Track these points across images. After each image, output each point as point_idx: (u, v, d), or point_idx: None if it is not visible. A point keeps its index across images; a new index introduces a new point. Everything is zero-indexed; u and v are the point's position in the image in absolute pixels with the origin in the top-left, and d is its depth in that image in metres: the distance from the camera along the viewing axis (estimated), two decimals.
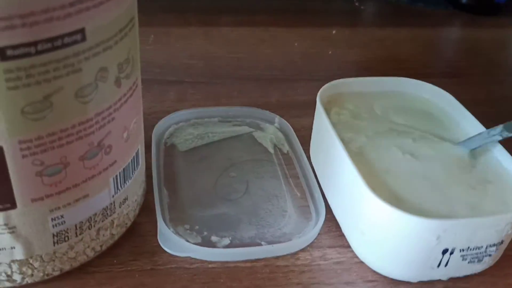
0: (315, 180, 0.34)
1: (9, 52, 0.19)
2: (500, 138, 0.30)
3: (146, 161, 0.32)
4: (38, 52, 0.20)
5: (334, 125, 0.32)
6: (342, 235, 0.31)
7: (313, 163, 0.36)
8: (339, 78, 0.49)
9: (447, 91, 0.47)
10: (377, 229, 0.27)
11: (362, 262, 0.30)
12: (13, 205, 0.23)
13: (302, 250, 0.30)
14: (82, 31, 0.21)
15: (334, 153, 0.31)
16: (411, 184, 0.29)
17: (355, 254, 0.30)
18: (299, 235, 0.31)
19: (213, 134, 0.39)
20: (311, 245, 0.31)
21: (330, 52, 0.54)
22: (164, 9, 0.59)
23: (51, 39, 0.20)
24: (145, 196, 0.33)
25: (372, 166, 0.30)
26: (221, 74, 0.48)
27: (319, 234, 0.31)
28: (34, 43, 0.20)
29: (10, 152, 0.22)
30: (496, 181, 0.30)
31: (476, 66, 0.54)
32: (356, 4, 0.65)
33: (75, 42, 0.21)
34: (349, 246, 0.31)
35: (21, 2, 0.19)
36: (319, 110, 0.33)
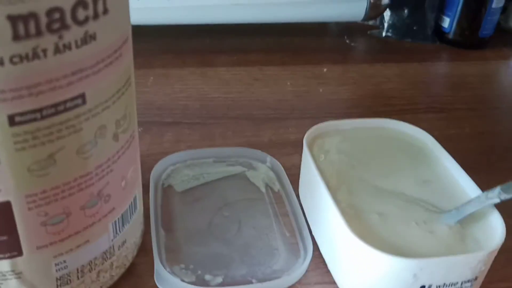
0: (303, 218, 0.36)
1: (17, 119, 0.22)
2: (498, 201, 0.29)
3: (144, 202, 0.34)
4: (43, 117, 0.22)
5: (320, 168, 0.34)
6: (329, 272, 0.33)
7: (301, 201, 0.38)
8: (330, 116, 0.51)
9: (433, 126, 0.50)
10: (358, 267, 0.29)
11: None
12: (20, 253, 0.25)
13: (291, 286, 0.32)
14: (82, 95, 0.23)
15: (319, 195, 0.33)
16: (392, 225, 0.30)
17: None
18: (288, 272, 0.33)
19: (208, 175, 0.41)
20: (299, 282, 0.33)
21: (321, 90, 0.56)
22: (162, 51, 0.62)
23: (54, 105, 0.22)
24: (143, 237, 0.35)
25: (355, 208, 0.32)
26: (216, 115, 0.50)
27: (307, 270, 0.33)
28: (40, 110, 0.22)
29: (17, 205, 0.24)
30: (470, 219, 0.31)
31: (461, 101, 0.56)
32: (347, 41, 0.68)
33: (76, 106, 0.23)
34: (333, 282, 0.32)
35: (28, 75, 0.21)
36: (306, 154, 0.36)
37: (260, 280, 0.32)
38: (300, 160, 0.42)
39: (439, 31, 0.69)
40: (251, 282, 0.32)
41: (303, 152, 0.37)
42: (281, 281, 0.32)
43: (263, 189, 0.40)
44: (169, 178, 0.40)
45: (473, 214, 0.31)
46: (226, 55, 0.62)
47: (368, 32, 0.71)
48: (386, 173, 0.35)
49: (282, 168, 0.41)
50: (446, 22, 0.67)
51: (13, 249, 0.25)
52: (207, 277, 0.32)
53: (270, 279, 0.32)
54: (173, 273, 0.32)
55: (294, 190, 0.39)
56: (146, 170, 0.37)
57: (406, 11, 0.68)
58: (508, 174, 0.42)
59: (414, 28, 0.68)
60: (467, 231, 0.30)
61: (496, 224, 0.30)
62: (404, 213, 0.31)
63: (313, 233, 0.35)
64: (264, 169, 0.42)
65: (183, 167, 0.42)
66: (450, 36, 0.68)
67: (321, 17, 0.61)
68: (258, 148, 0.44)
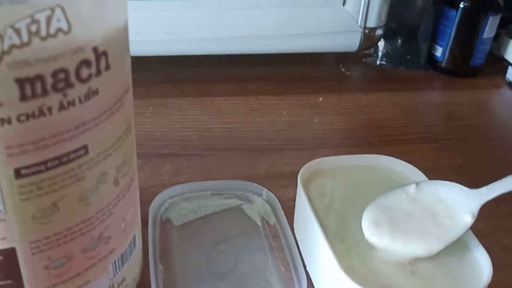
0: (298, 252, 0.37)
1: (23, 172, 0.23)
2: None
3: (142, 236, 0.35)
4: (47, 169, 0.23)
5: (314, 206, 0.35)
6: None
7: (296, 236, 0.39)
8: (325, 147, 0.52)
9: (425, 157, 0.51)
10: None
11: None
12: None
13: None
14: (85, 147, 0.25)
15: (312, 233, 0.34)
16: (382, 264, 0.32)
17: None
18: None
19: (206, 208, 0.42)
20: None
21: (316, 120, 0.57)
22: (160, 80, 0.63)
23: (58, 157, 0.24)
24: (141, 272, 0.36)
25: (347, 248, 0.33)
26: (214, 146, 0.52)
27: None
28: (44, 162, 0.23)
29: (21, 251, 0.25)
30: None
31: (454, 131, 0.57)
32: (342, 69, 0.70)
33: (79, 157, 0.24)
34: None
35: (34, 131, 0.22)
36: (300, 191, 0.37)
37: None
38: (295, 193, 0.43)
39: (432, 60, 0.70)
40: None
41: (297, 189, 0.38)
42: None
43: (259, 223, 0.41)
44: (167, 212, 0.41)
45: (456, 250, 0.32)
46: (223, 84, 0.63)
47: (363, 60, 0.73)
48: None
49: (278, 202, 0.42)
50: (438, 51, 0.69)
51: None
52: None
53: None
54: None
55: (289, 224, 0.40)
56: (145, 203, 0.38)
57: (399, 40, 0.69)
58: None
59: (408, 57, 0.70)
60: (451, 269, 0.31)
61: (482, 261, 0.31)
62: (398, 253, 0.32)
63: (307, 269, 0.36)
64: (260, 202, 0.43)
65: (181, 200, 0.43)
66: (443, 64, 0.69)
67: (316, 47, 0.63)
68: (254, 180, 0.45)
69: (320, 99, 0.62)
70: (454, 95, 0.66)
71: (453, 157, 0.52)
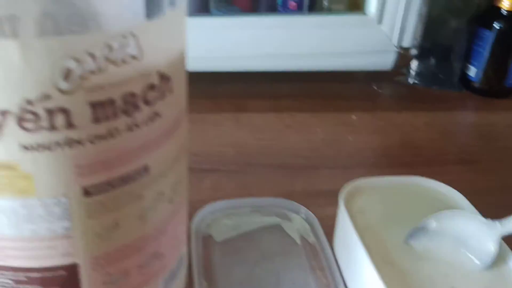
0: (338, 272, 0.38)
1: (90, 190, 0.24)
2: None
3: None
4: (112, 188, 0.24)
5: (357, 226, 0.35)
6: None
7: (337, 256, 0.39)
8: (360, 166, 0.53)
9: (462, 178, 0.51)
10: None
11: None
12: None
13: None
14: (146, 167, 0.25)
15: (356, 253, 0.34)
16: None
17: None
18: None
19: (246, 225, 0.43)
20: None
21: (350, 139, 0.58)
22: (197, 95, 0.64)
23: (122, 177, 0.24)
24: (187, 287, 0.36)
25: (393, 269, 0.33)
26: (251, 162, 0.52)
27: None
28: (110, 182, 0.24)
29: (83, 267, 0.26)
30: None
31: (489, 152, 0.57)
32: (375, 87, 0.70)
33: (140, 176, 0.25)
34: None
35: (103, 152, 0.23)
36: (342, 211, 0.37)
37: None
38: (333, 211, 0.43)
39: (465, 79, 0.70)
40: None
41: (339, 209, 0.38)
42: None
43: (298, 241, 0.41)
44: (209, 228, 0.42)
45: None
46: (258, 100, 0.64)
47: (395, 79, 0.73)
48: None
49: (317, 220, 0.43)
50: (472, 71, 0.69)
51: None
52: None
53: None
54: None
55: (329, 243, 0.40)
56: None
57: (433, 60, 0.70)
58: None
59: (441, 76, 0.70)
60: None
61: None
62: (439, 276, 0.33)
63: None
64: (298, 220, 0.43)
65: (222, 216, 0.43)
66: (477, 84, 0.69)
67: (351, 66, 0.63)
68: (291, 197, 0.45)
69: (354, 117, 0.62)
70: (488, 115, 0.66)
71: (489, 179, 0.52)
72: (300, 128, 0.59)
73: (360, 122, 0.62)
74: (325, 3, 0.64)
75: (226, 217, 0.43)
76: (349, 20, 0.59)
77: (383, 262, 0.33)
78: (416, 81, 0.71)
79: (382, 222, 0.37)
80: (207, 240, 0.41)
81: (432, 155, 0.56)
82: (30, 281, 0.25)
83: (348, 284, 0.37)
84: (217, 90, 0.66)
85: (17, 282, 0.25)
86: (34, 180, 0.22)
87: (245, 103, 0.64)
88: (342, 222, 0.38)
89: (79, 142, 0.22)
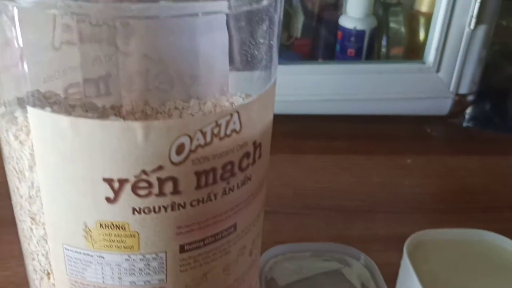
0: None
1: (186, 247, 0.26)
2: None
3: None
4: (205, 245, 0.27)
5: (421, 276, 0.36)
6: None
7: None
8: (416, 212, 0.53)
9: None
10: None
11: None
12: None
13: None
14: (234, 225, 0.28)
15: None
16: None
17: None
18: None
19: (307, 270, 0.44)
20: None
21: (406, 183, 0.59)
22: None
23: (214, 235, 0.27)
24: None
25: None
26: (309, 204, 0.54)
27: None
28: (203, 240, 0.26)
29: None
30: None
31: None
32: (428, 130, 0.71)
33: (229, 234, 0.27)
34: None
35: (200, 214, 0.25)
36: (406, 262, 0.38)
37: None
38: (391, 258, 0.44)
39: None
40: None
41: (402, 259, 0.40)
42: None
43: (359, 287, 0.43)
44: (271, 271, 0.44)
45: None
46: (313, 141, 0.66)
47: (449, 121, 0.73)
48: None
49: (376, 267, 0.44)
50: None
51: None
52: None
53: None
54: None
55: None
56: None
57: (488, 105, 0.70)
58: None
59: (495, 120, 0.70)
60: None
61: None
62: None
63: None
64: (358, 266, 0.45)
65: (283, 259, 0.45)
66: None
67: (407, 110, 0.64)
68: (349, 242, 0.46)
69: (408, 161, 0.63)
70: None
71: None
72: (355, 171, 0.61)
73: (415, 166, 0.62)
74: (383, 50, 0.66)
75: (287, 260, 0.45)
76: (407, 67, 0.61)
77: None
78: (470, 124, 0.72)
79: (447, 275, 0.38)
80: (270, 284, 0.43)
81: (487, 201, 0.56)
82: None
83: None
84: (274, 131, 0.68)
85: None
86: (139, 238, 0.25)
87: (300, 143, 0.66)
88: (406, 272, 0.39)
89: (182, 206, 0.24)
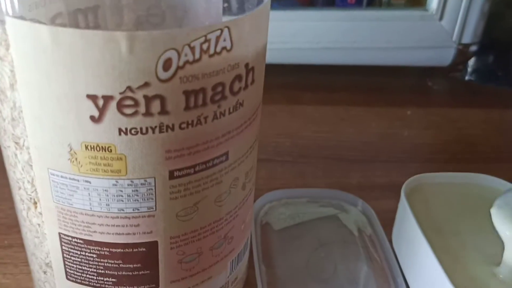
0: (397, 264, 0.38)
1: (176, 173, 0.25)
2: None
3: None
4: (195, 172, 0.26)
5: (419, 218, 0.36)
6: None
7: (395, 249, 0.40)
8: (415, 161, 0.53)
9: None
10: None
11: None
12: (157, 286, 0.29)
13: None
14: (226, 153, 0.27)
15: (418, 245, 0.35)
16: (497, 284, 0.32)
17: None
18: None
19: (303, 214, 0.44)
20: None
21: (406, 134, 0.58)
22: None
23: (205, 162, 0.26)
24: (247, 272, 0.37)
25: (458, 260, 0.33)
26: (306, 153, 0.53)
27: None
28: (194, 166, 0.25)
29: (162, 245, 0.27)
30: None
31: None
32: (429, 83, 0.70)
33: (220, 162, 0.27)
34: None
35: (190, 138, 0.24)
36: (404, 204, 0.38)
37: None
38: (389, 205, 0.44)
39: None
40: None
41: (400, 201, 0.39)
42: None
43: (355, 233, 0.42)
44: (266, 216, 0.43)
45: None
46: (311, 92, 0.65)
47: (450, 75, 0.72)
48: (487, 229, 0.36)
49: (374, 213, 0.43)
50: None
51: (152, 282, 0.28)
52: None
53: None
54: None
55: (386, 234, 0.41)
56: None
57: (491, 57, 0.69)
58: None
59: (499, 73, 0.69)
60: None
61: None
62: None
63: (408, 282, 0.37)
64: (355, 212, 0.44)
65: (279, 205, 0.44)
66: None
67: (408, 61, 0.63)
68: (347, 190, 0.46)
69: (409, 112, 0.62)
70: None
71: None
72: (355, 121, 0.60)
73: (415, 117, 0.61)
74: None
75: (283, 206, 0.44)
76: (409, 15, 0.59)
77: (445, 255, 0.33)
78: (472, 78, 0.70)
79: (444, 216, 0.37)
80: (265, 228, 0.42)
81: (488, 152, 0.55)
82: (112, 255, 0.27)
83: (407, 276, 0.37)
84: (270, 82, 0.66)
85: (100, 256, 0.27)
86: (127, 161, 0.24)
87: (298, 95, 0.64)
88: (403, 214, 0.38)
89: (170, 127, 0.23)
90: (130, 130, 0.23)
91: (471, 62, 0.70)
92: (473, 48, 0.63)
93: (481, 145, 0.57)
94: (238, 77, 0.25)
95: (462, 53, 0.62)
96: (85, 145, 0.23)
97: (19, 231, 0.31)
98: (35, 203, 0.27)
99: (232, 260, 0.32)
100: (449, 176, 0.41)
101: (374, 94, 0.66)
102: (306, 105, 0.62)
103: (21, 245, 0.32)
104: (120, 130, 0.23)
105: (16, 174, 0.27)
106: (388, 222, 0.42)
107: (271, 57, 0.61)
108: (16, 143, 0.25)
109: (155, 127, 0.23)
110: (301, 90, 0.65)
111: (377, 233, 0.42)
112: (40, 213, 0.27)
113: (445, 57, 0.61)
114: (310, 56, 0.61)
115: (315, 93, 0.65)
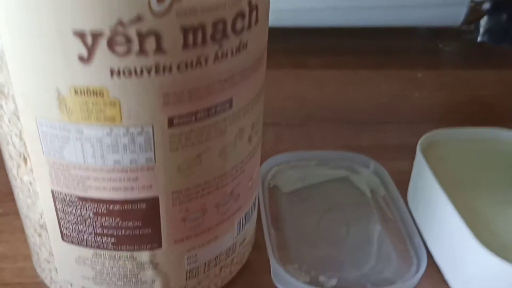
0: (413, 225, 0.36)
1: (176, 121, 0.23)
2: None
3: None
4: (196, 120, 0.24)
5: (436, 174, 0.34)
6: (443, 282, 0.33)
7: (411, 208, 0.38)
8: (428, 122, 0.50)
9: None
10: (483, 280, 0.29)
11: None
12: (159, 245, 0.27)
13: None
14: (230, 100, 0.25)
15: (437, 203, 0.33)
16: None
17: None
18: (401, 279, 0.33)
19: (313, 177, 0.42)
20: None
21: (416, 95, 0.55)
22: None
23: (207, 109, 0.24)
24: (255, 234, 0.36)
25: (479, 215, 0.31)
26: (314, 116, 0.51)
27: (420, 279, 0.33)
28: (195, 113, 0.23)
29: (164, 201, 0.25)
30: None
31: None
32: (440, 45, 0.67)
33: (224, 110, 0.25)
34: None
35: (190, 81, 0.22)
36: (420, 159, 0.36)
37: (374, 285, 0.32)
38: (402, 165, 0.42)
39: None
40: (365, 287, 0.32)
41: (416, 157, 0.37)
42: (397, 287, 0.32)
43: (368, 194, 0.40)
44: (274, 179, 0.41)
45: None
46: (318, 56, 0.63)
47: (462, 36, 0.69)
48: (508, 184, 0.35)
49: (387, 173, 0.41)
50: None
51: (154, 241, 0.27)
52: (321, 278, 0.33)
53: (383, 285, 0.32)
54: (287, 272, 0.33)
55: (401, 196, 0.39)
56: None
57: (504, 16, 0.66)
58: None
59: None
60: None
61: None
62: None
63: (426, 241, 0.35)
64: (367, 174, 0.42)
65: (287, 168, 0.42)
66: None
67: (417, 21, 0.60)
68: (357, 152, 0.44)
69: (419, 74, 0.60)
70: None
71: None
72: (363, 84, 0.57)
73: (426, 79, 0.59)
74: None
75: (291, 169, 0.43)
76: None
77: (465, 211, 0.31)
78: (484, 39, 0.68)
79: (462, 172, 0.35)
80: (273, 191, 0.40)
81: (504, 112, 0.53)
82: (110, 213, 0.25)
83: (425, 235, 0.35)
84: (275, 46, 0.64)
85: (97, 214, 0.25)
86: (121, 107, 0.22)
87: (304, 59, 0.62)
88: (420, 171, 0.36)
89: (167, 68, 0.21)
90: (123, 71, 0.21)
91: (483, 21, 0.67)
92: (486, 6, 0.60)
93: (496, 106, 0.54)
94: (241, 14, 0.23)
95: (474, 11, 0.59)
96: (75, 90, 0.21)
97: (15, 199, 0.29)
98: (25, 159, 0.25)
99: (240, 220, 0.30)
100: (467, 132, 0.38)
101: (383, 57, 0.63)
102: (312, 69, 0.60)
103: (17, 213, 0.30)
104: (112, 71, 0.21)
105: (3, 127, 0.25)
106: (401, 183, 0.40)
107: (274, 20, 0.59)
108: (1, 92, 0.23)
109: (151, 67, 0.21)
110: (306, 54, 0.63)
111: (391, 193, 0.40)
112: (31, 170, 0.25)
113: (457, 15, 0.59)
114: (316, 18, 0.59)
115: (321, 57, 0.62)
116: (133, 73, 0.21)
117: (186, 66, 0.22)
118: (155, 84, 0.22)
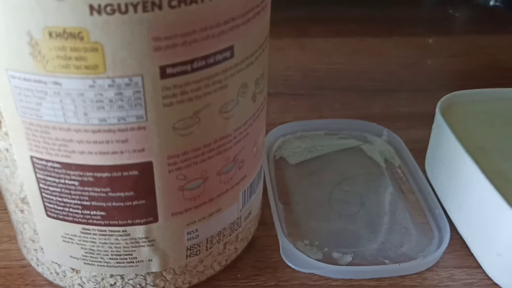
0: (433, 195, 0.33)
1: (169, 70, 0.20)
2: None
3: None
4: (193, 70, 0.20)
5: (459, 138, 0.30)
6: (469, 255, 0.30)
7: (430, 178, 0.35)
8: (444, 89, 0.47)
9: None
10: None
11: (495, 284, 0.28)
12: (155, 219, 0.24)
13: (428, 269, 0.29)
14: (231, 48, 0.21)
15: (462, 168, 0.29)
16: None
17: (486, 275, 0.29)
18: (422, 254, 0.30)
19: (321, 147, 0.38)
20: (436, 265, 0.30)
21: (429, 62, 0.52)
22: None
23: (205, 57, 0.20)
24: (262, 209, 0.33)
25: (509, 180, 0.28)
26: (321, 85, 0.48)
27: (443, 253, 0.30)
28: (191, 61, 0.20)
29: (158, 167, 0.22)
30: None
31: None
32: (450, 11, 0.63)
33: (224, 59, 0.21)
34: (478, 267, 0.29)
35: (184, 22, 0.19)
36: (440, 122, 0.32)
37: (393, 261, 0.29)
38: (417, 134, 0.39)
39: None
40: (384, 263, 0.29)
41: (435, 121, 0.34)
42: (418, 263, 0.29)
43: (382, 164, 0.37)
44: (280, 150, 0.38)
45: None
46: (322, 25, 0.59)
47: (473, 2, 0.66)
48: None
49: (402, 142, 0.38)
50: None
51: (149, 214, 0.24)
52: (335, 255, 0.30)
53: (403, 261, 0.29)
54: (298, 249, 0.30)
55: (419, 166, 0.36)
56: None
57: None
58: None
59: None
60: None
61: None
62: None
63: (448, 212, 0.32)
64: (380, 143, 0.39)
65: (293, 138, 0.39)
66: None
67: None
68: (369, 121, 0.41)
69: (430, 40, 0.56)
70: None
71: None
72: (371, 52, 0.54)
73: (438, 46, 0.56)
74: None
75: (298, 139, 0.39)
76: None
77: (493, 175, 0.28)
78: (497, 4, 0.64)
79: (486, 135, 0.32)
80: (279, 163, 0.37)
81: None
82: (97, 182, 0.22)
83: (447, 206, 0.32)
84: (277, 15, 0.60)
85: (83, 183, 0.22)
86: (104, 53, 0.19)
87: (307, 28, 0.59)
88: (440, 136, 0.33)
89: (157, 5, 0.18)
90: (105, 7, 0.18)
91: None
92: None
93: None
94: None
95: None
96: (49, 32, 0.18)
97: None
98: None
99: (245, 190, 0.27)
100: (488, 93, 0.35)
101: (390, 26, 0.60)
102: (317, 37, 0.56)
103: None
104: (91, 7, 0.17)
105: None
106: (417, 152, 0.37)
107: None
108: None
109: (137, 3, 0.18)
110: (310, 23, 0.59)
111: (407, 163, 0.36)
112: (6, 134, 0.22)
113: None
114: None
115: (325, 25, 0.59)
116: (116, 9, 0.18)
117: (179, 2, 0.18)
118: (142, 24, 0.18)
